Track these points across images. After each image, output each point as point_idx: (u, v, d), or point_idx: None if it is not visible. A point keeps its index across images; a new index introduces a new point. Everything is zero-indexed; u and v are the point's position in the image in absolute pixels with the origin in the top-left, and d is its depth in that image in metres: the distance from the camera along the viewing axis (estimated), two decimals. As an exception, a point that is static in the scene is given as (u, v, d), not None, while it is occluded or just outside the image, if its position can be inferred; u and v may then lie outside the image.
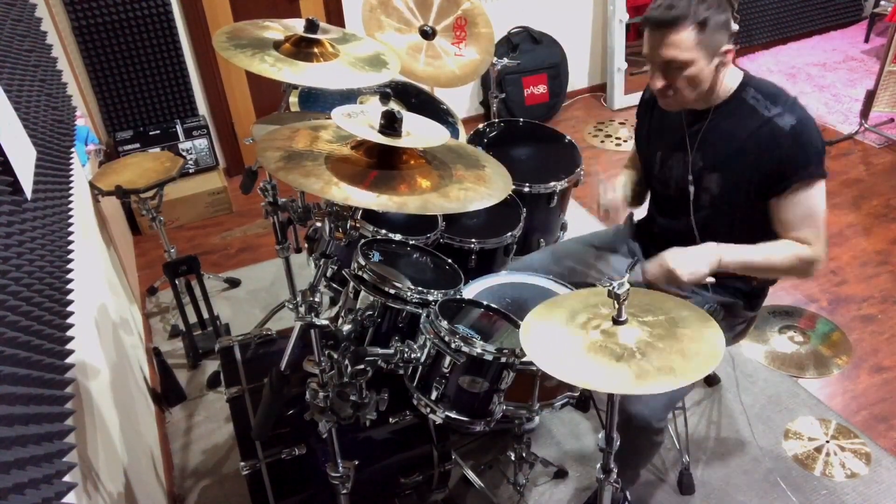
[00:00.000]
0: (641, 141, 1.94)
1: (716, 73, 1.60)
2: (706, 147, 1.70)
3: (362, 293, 1.67)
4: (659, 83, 1.62)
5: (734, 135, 1.65)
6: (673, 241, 1.82)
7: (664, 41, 1.56)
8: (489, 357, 1.51)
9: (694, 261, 1.58)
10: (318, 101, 2.35)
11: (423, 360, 1.56)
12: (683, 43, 1.54)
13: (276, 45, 1.79)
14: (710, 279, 1.59)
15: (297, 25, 1.85)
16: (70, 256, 1.42)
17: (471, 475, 2.13)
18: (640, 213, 2.06)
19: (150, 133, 3.60)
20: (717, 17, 1.53)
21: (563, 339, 1.27)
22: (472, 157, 1.47)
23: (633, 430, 1.68)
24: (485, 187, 1.35)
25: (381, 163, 1.32)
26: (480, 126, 2.64)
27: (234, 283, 3.18)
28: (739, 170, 1.65)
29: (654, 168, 1.86)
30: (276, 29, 1.87)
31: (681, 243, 1.76)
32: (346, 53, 1.85)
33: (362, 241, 1.83)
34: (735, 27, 1.58)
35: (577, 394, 1.78)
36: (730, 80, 1.65)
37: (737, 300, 1.83)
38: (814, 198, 1.60)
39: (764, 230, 1.68)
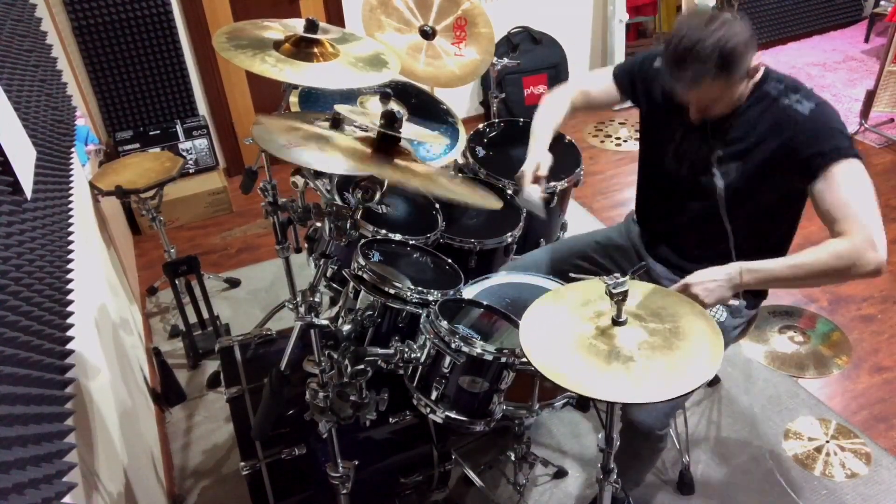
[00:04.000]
0: (654, 114, 1.85)
1: (747, 80, 1.59)
2: (729, 137, 1.67)
3: (362, 293, 1.67)
4: (696, 115, 1.63)
5: (756, 124, 1.62)
6: (681, 229, 1.80)
7: (691, 93, 1.56)
8: (489, 357, 1.51)
9: (716, 286, 1.52)
10: (318, 101, 2.35)
11: (423, 360, 1.56)
12: (711, 90, 1.53)
13: (277, 45, 1.79)
14: (735, 301, 1.55)
15: (297, 25, 1.85)
16: (70, 256, 1.42)
17: (471, 475, 2.13)
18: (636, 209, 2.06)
19: (150, 133, 3.60)
20: (734, 44, 1.46)
21: (561, 338, 1.27)
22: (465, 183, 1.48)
23: (635, 437, 1.67)
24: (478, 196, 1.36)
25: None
26: (480, 126, 2.64)
27: (234, 283, 3.17)
28: (760, 158, 1.62)
29: (669, 147, 1.79)
30: (275, 29, 1.87)
31: (689, 230, 1.75)
32: (346, 53, 1.85)
33: (362, 241, 1.83)
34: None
35: (577, 394, 1.78)
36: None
37: (740, 300, 1.82)
38: (846, 181, 1.50)
39: (787, 219, 1.66)
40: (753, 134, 1.63)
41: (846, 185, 1.50)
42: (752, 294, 1.84)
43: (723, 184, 1.69)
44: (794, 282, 1.54)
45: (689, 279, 1.54)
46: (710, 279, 1.52)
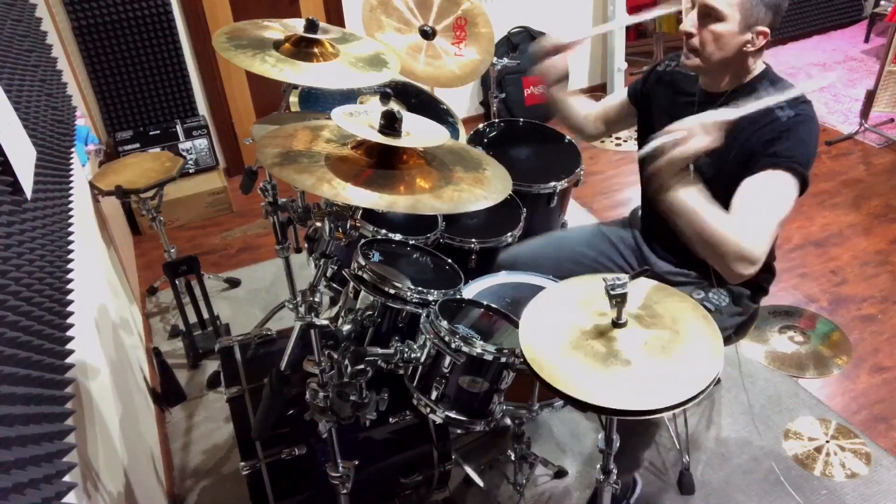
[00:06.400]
0: (650, 117, 1.87)
1: (741, 52, 1.58)
2: None
3: (362, 293, 1.67)
4: (689, 26, 1.61)
5: (739, 121, 1.60)
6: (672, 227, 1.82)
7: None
8: (489, 357, 1.51)
9: (708, 127, 1.45)
10: (318, 101, 2.35)
11: (423, 360, 1.56)
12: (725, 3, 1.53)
13: (277, 45, 1.79)
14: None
15: (297, 25, 1.85)
16: (70, 256, 1.42)
17: (471, 475, 2.13)
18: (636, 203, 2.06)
19: (150, 133, 3.61)
20: None
21: (560, 339, 1.27)
22: (474, 159, 1.47)
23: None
24: (481, 189, 1.35)
25: (381, 163, 1.33)
26: (480, 126, 2.64)
27: (234, 283, 3.18)
28: (735, 154, 1.62)
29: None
30: (275, 29, 1.87)
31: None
32: (346, 53, 1.85)
33: (362, 241, 1.83)
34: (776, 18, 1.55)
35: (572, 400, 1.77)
36: (753, 69, 1.64)
37: (742, 289, 1.83)
38: (773, 186, 1.53)
39: None
40: (734, 130, 1.61)
41: (768, 188, 1.52)
42: (753, 289, 1.85)
43: (702, 178, 1.69)
44: (691, 222, 1.50)
45: (684, 125, 1.45)
46: (700, 121, 1.46)
